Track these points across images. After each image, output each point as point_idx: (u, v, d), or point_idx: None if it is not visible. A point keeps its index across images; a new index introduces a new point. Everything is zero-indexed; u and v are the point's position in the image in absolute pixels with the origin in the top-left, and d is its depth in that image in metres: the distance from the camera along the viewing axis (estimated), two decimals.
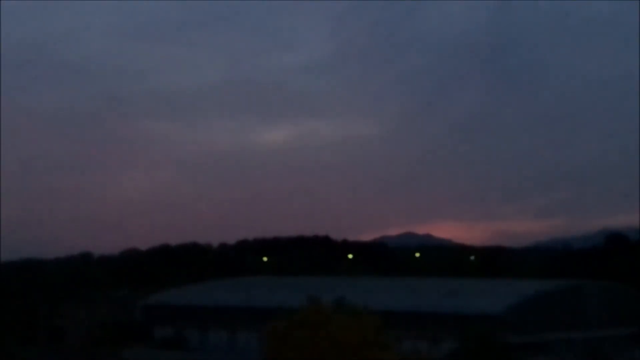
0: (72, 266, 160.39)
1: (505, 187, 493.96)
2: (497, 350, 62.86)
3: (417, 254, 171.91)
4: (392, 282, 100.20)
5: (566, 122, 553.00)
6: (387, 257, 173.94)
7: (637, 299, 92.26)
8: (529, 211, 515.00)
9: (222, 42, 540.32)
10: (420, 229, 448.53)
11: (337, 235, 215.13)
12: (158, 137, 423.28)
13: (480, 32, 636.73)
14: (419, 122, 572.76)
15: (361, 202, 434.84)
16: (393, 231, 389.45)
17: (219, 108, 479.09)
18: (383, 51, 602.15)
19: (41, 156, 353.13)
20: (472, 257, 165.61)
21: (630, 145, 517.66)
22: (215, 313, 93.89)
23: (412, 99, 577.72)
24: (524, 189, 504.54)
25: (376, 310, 47.63)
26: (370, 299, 56.88)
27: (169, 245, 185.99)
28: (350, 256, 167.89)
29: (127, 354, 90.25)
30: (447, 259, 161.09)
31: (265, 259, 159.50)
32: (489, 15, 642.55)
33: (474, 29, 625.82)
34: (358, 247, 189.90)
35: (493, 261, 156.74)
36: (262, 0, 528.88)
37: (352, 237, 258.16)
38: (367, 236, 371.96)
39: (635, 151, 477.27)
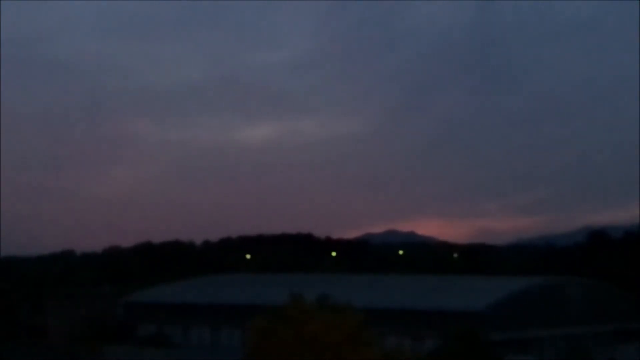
0: (54, 264, 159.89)
1: (489, 185, 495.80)
2: (479, 348, 62.99)
3: (401, 252, 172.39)
4: (375, 280, 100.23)
5: (549, 121, 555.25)
6: (370, 255, 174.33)
7: (619, 296, 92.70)
8: (512, 208, 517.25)
9: (205, 39, 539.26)
10: (404, 227, 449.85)
11: (320, 232, 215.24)
12: (141, 135, 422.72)
13: (464, 31, 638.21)
14: (402, 120, 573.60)
15: (344, 199, 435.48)
16: (376, 228, 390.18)
17: (202, 106, 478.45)
18: (366, 49, 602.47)
19: (24, 153, 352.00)
20: (456, 255, 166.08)
21: (613, 143, 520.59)
22: (198, 310, 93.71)
23: (395, 98, 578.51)
24: (507, 186, 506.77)
25: (359, 308, 47.61)
26: (353, 296, 56.87)
27: (152, 243, 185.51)
28: (333, 254, 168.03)
29: (109, 351, 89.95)
30: (430, 256, 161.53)
31: (248, 256, 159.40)
32: (472, 14, 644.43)
33: (458, 28, 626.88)
34: (341, 245, 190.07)
35: (476, 258, 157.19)
36: None
37: (335, 234, 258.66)
38: (351, 233, 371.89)
39: (618, 149, 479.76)
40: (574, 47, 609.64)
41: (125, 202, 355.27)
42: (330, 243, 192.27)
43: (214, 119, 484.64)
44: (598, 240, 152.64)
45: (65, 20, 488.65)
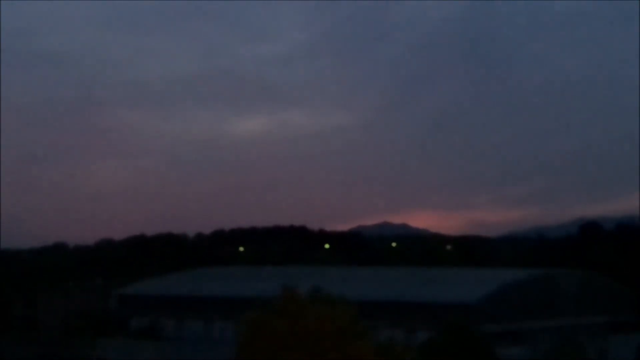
0: (46, 256, 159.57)
1: (481, 177, 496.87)
2: (472, 339, 63.02)
3: (394, 244, 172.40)
4: (369, 272, 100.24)
5: (541, 113, 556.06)
6: (363, 247, 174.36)
7: (611, 288, 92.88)
8: (505, 201, 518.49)
9: (198, 32, 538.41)
10: (397, 219, 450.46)
11: (313, 225, 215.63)
12: (134, 127, 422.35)
13: (457, 24, 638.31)
14: (394, 113, 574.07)
15: (337, 192, 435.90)
16: (369, 221, 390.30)
17: (194, 98, 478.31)
18: (358, 42, 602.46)
19: (16, 146, 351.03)
20: (449, 247, 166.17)
21: (605, 135, 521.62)
22: (191, 303, 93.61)
23: (387, 90, 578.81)
24: (499, 178, 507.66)
25: (352, 300, 47.50)
26: (347, 288, 56.82)
27: (145, 235, 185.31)
28: (326, 246, 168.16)
29: (102, 344, 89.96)
30: (423, 248, 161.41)
31: (241, 249, 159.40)
32: (465, 6, 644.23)
33: (451, 20, 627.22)
34: (334, 237, 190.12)
35: (469, 250, 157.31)
36: None
37: (328, 227, 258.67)
38: (344, 226, 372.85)
39: (611, 141, 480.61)
40: (568, 38, 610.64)
41: (118, 195, 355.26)
42: (323, 235, 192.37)
43: (207, 111, 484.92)
44: (590, 232, 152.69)
45: (59, 13, 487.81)
